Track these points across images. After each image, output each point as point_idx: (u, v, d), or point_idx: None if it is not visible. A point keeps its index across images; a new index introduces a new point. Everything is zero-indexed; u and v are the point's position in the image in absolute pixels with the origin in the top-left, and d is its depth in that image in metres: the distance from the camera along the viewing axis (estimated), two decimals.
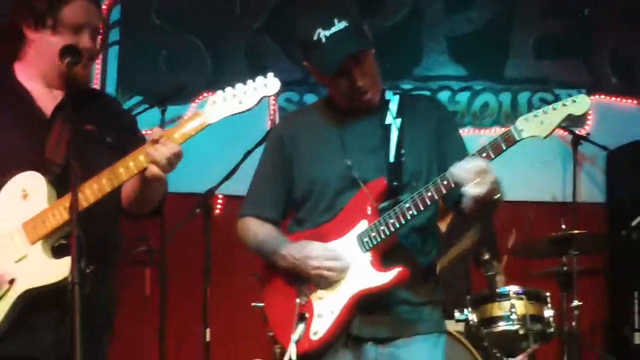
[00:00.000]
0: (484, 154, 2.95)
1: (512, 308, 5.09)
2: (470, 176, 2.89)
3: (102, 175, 2.89)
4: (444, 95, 6.65)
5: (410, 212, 3.06)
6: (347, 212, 3.22)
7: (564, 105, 2.98)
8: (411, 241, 3.24)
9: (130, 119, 3.47)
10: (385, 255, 3.15)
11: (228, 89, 2.93)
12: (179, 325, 5.94)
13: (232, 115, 2.92)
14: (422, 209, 3.06)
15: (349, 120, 3.33)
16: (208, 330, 5.57)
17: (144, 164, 2.88)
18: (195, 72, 6.93)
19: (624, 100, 6.79)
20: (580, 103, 2.97)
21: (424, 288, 3.28)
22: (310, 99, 6.12)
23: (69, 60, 3.02)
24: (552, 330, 5.18)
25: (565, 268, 5.32)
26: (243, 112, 2.93)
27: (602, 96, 6.74)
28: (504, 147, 2.96)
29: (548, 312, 5.18)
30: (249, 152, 5.15)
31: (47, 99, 3.12)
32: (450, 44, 6.88)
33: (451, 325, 5.00)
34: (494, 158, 2.95)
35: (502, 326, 5.11)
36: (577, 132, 6.34)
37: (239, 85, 2.93)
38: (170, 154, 2.87)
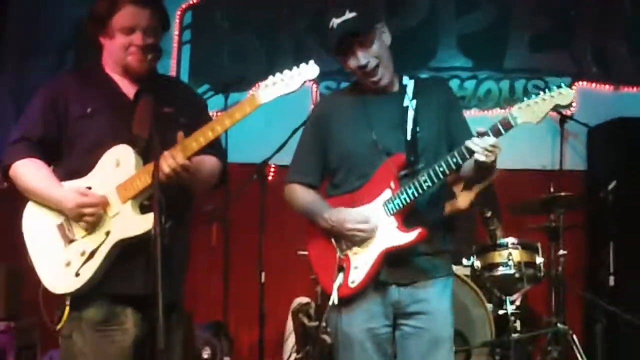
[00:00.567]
0: (485, 136, 2.94)
1: (509, 256, 5.08)
2: (485, 148, 2.91)
3: (165, 155, 2.88)
4: (454, 83, 6.59)
5: (427, 183, 3.06)
6: (374, 181, 3.21)
7: (552, 96, 2.95)
8: (427, 206, 3.23)
9: (201, 102, 3.45)
10: (406, 217, 3.15)
11: (277, 74, 2.91)
12: (239, 270, 5.97)
13: (281, 96, 2.90)
14: (436, 181, 3.07)
15: (373, 102, 3.30)
16: (263, 274, 5.62)
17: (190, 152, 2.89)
18: (252, 65, 6.91)
19: (602, 85, 6.71)
20: (565, 95, 2.95)
21: (437, 241, 3.27)
22: (345, 86, 6.03)
23: (151, 55, 3.05)
24: (542, 274, 5.16)
25: (553, 224, 5.29)
26: (289, 93, 2.90)
27: (584, 82, 6.66)
28: (503, 131, 2.94)
29: (539, 260, 5.16)
30: (295, 130, 5.15)
31: (127, 86, 3.13)
32: (459, 40, 6.82)
33: (459, 270, 5.00)
34: (496, 139, 2.93)
35: (501, 271, 5.10)
36: (563, 112, 6.31)
37: (286, 71, 2.91)
38: (176, 167, 2.85)
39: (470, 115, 5.99)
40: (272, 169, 6.08)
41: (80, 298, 2.96)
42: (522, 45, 6.80)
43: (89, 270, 2.94)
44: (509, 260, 5.07)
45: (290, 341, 5.86)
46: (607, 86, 6.72)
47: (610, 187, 5.24)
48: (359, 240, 3.18)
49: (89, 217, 2.93)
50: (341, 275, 3.15)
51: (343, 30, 3.18)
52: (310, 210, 3.33)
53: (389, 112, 3.28)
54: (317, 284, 5.33)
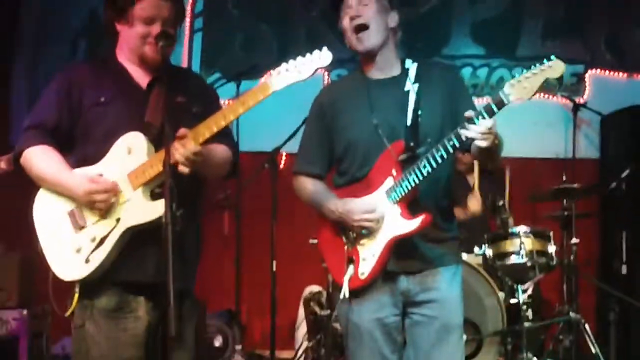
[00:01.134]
0: (480, 117, 2.89)
1: (521, 244, 5.07)
2: (480, 132, 2.88)
3: (176, 145, 2.88)
4: (466, 71, 6.60)
5: (426, 169, 3.02)
6: (376, 169, 3.18)
7: (542, 70, 2.91)
8: (430, 191, 3.19)
9: (212, 92, 3.45)
10: (410, 204, 3.12)
11: (290, 61, 2.89)
12: (251, 258, 5.99)
13: (294, 83, 2.89)
14: (435, 166, 3.03)
15: (375, 87, 3.27)
16: (274, 262, 5.63)
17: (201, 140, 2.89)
18: (264, 53, 6.92)
19: (616, 73, 6.68)
20: (555, 67, 2.92)
21: (444, 227, 3.25)
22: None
23: (162, 43, 3.05)
24: (554, 262, 5.15)
25: (565, 212, 5.27)
26: (302, 80, 2.89)
27: (598, 70, 6.64)
28: (496, 110, 2.90)
29: (551, 248, 5.15)
30: (306, 119, 5.14)
31: (140, 76, 3.13)
32: (472, 28, 6.81)
33: (471, 259, 5.00)
34: (489, 118, 2.90)
35: (513, 259, 5.09)
36: (576, 100, 6.29)
37: (298, 58, 2.90)
38: (188, 154, 2.85)
39: (482, 102, 5.96)
40: (283, 157, 6.08)
41: (92, 286, 2.97)
42: (535, 33, 6.78)
43: (99, 256, 2.95)
44: (521, 248, 5.07)
45: (302, 329, 5.88)
46: (620, 74, 6.69)
47: (624, 175, 5.21)
48: (366, 231, 3.16)
49: (100, 203, 2.94)
50: (351, 267, 3.14)
51: None
52: (317, 202, 3.33)
53: (391, 97, 3.25)
54: (328, 272, 5.34)
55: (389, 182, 3.15)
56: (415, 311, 3.21)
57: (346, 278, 3.12)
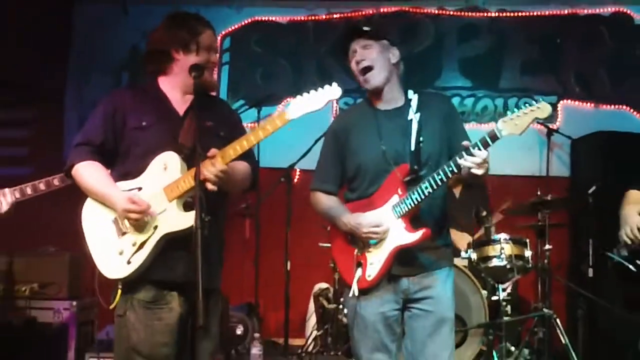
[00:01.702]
0: (476, 148, 2.92)
1: (502, 250, 5.04)
2: (476, 163, 2.90)
3: (205, 163, 2.89)
4: (455, 101, 6.55)
5: (428, 190, 3.04)
6: (383, 188, 3.19)
7: (532, 110, 2.92)
8: (430, 208, 3.20)
9: (236, 117, 3.43)
10: (413, 219, 3.13)
11: (305, 94, 2.91)
12: (268, 259, 5.97)
13: (308, 113, 2.90)
14: (436, 188, 3.04)
15: (382, 117, 3.27)
16: (288, 263, 5.62)
17: (232, 156, 2.91)
18: (280, 83, 6.93)
19: (584, 103, 6.66)
20: (543, 109, 2.92)
21: (439, 237, 3.25)
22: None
23: (194, 74, 3.07)
24: (530, 266, 5.12)
25: (540, 222, 5.25)
26: (315, 111, 2.90)
27: (569, 101, 6.63)
28: (490, 143, 2.92)
29: (528, 253, 5.11)
30: (318, 139, 5.14)
31: (179, 103, 3.13)
32: (460, 64, 6.81)
33: (458, 261, 4.97)
34: (484, 150, 2.91)
35: (494, 262, 5.05)
36: (550, 126, 6.28)
37: (312, 91, 2.91)
38: (217, 172, 2.86)
39: (469, 128, 5.85)
40: (297, 173, 6.08)
41: (132, 283, 2.97)
42: (515, 69, 6.78)
43: (139, 259, 2.95)
44: (502, 253, 5.04)
45: (312, 321, 5.87)
46: (588, 104, 6.68)
47: (591, 191, 5.18)
48: (374, 240, 3.17)
49: (134, 221, 2.94)
50: (359, 270, 3.16)
51: (353, 27, 3.30)
52: (331, 215, 3.32)
53: (396, 124, 3.25)
54: (335, 271, 5.34)
55: (395, 199, 3.15)
56: (414, 306, 3.21)
57: (355, 279, 3.15)
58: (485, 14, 6.85)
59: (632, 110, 6.62)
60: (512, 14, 6.81)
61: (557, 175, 6.37)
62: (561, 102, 6.64)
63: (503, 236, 5.11)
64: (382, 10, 6.85)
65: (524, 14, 6.79)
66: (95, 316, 5.08)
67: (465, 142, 2.95)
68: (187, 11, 3.23)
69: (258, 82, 6.99)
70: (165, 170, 2.99)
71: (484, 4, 6.85)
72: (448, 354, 3.22)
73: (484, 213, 5.33)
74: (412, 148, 3.17)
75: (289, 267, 5.61)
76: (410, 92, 3.33)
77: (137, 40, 6.77)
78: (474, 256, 5.11)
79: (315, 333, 5.60)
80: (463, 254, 5.13)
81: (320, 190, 3.38)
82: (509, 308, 5.00)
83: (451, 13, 6.86)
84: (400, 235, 3.14)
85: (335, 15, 6.94)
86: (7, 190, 3.57)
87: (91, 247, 3.03)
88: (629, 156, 5.50)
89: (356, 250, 3.20)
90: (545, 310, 5.02)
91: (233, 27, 7.03)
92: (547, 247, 5.17)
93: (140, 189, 2.99)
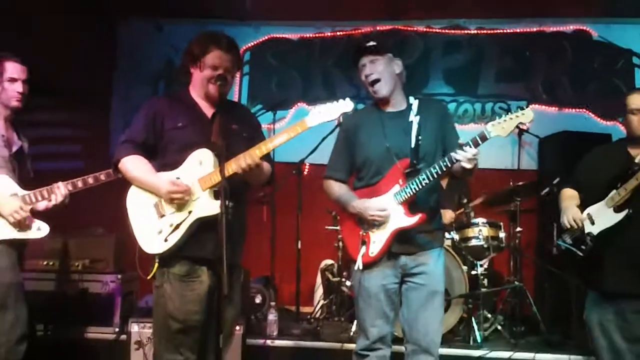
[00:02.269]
0: (468, 146, 2.93)
1: (480, 232, 5.06)
2: (467, 158, 2.92)
3: (240, 157, 2.94)
4: None
5: (425, 181, 3.06)
6: (387, 178, 3.20)
7: (517, 116, 2.94)
8: (426, 196, 3.21)
9: (256, 120, 3.45)
10: (411, 205, 3.14)
11: (322, 106, 2.96)
12: (282, 239, 5.97)
13: (324, 122, 2.95)
14: (432, 179, 3.06)
15: (387, 118, 3.28)
16: (299, 242, 5.63)
17: (258, 156, 2.93)
18: (292, 91, 6.90)
19: (549, 107, 6.63)
20: (526, 115, 2.95)
21: (433, 221, 3.27)
22: (360, 107, 6.03)
23: (220, 83, 3.07)
24: (503, 245, 5.13)
25: (512, 208, 5.24)
26: (330, 121, 2.96)
27: (537, 105, 6.57)
28: (480, 142, 2.94)
29: (502, 234, 5.13)
30: (324, 138, 5.15)
31: (206, 108, 3.15)
32: (444, 74, 6.79)
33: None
34: (475, 149, 2.94)
35: (473, 242, 5.07)
36: (521, 127, 6.26)
37: (328, 103, 2.95)
38: (250, 165, 2.90)
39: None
40: (306, 167, 6.08)
41: (168, 258, 2.99)
42: (491, 78, 6.75)
43: (175, 237, 2.97)
44: (480, 234, 5.05)
45: (319, 291, 5.88)
46: (553, 108, 6.64)
47: (555, 182, 5.16)
48: (377, 223, 3.18)
49: (178, 200, 2.96)
50: (364, 247, 3.18)
51: (361, 45, 3.29)
52: (341, 201, 3.33)
53: (399, 125, 3.25)
54: (339, 250, 5.35)
55: (396, 188, 3.16)
56: (410, 280, 3.22)
57: (360, 255, 3.17)
58: (466, 32, 6.82)
59: (590, 113, 6.59)
60: (488, 31, 6.78)
61: (526, 169, 6.34)
62: (530, 106, 6.39)
63: (481, 220, 5.13)
64: (378, 28, 6.83)
65: (498, 31, 6.76)
66: (136, 287, 5.09)
67: (460, 140, 2.97)
68: (211, 31, 3.20)
69: (273, 90, 6.97)
70: (201, 164, 3.01)
71: (464, 23, 6.82)
72: (438, 321, 3.24)
73: (465, 200, 5.34)
74: (412, 145, 3.18)
75: (299, 246, 5.62)
76: (412, 98, 3.34)
77: (171, 54, 6.78)
78: (456, 237, 5.11)
79: (322, 302, 5.60)
80: (447, 235, 5.13)
81: (333, 178, 3.39)
82: (485, 281, 5.00)
83: (437, 31, 6.84)
84: (400, 218, 3.15)
85: (338, 33, 6.91)
86: (61, 183, 3.59)
87: (134, 227, 3.04)
88: (588, 152, 5.48)
89: (361, 231, 3.21)
90: (516, 282, 5.03)
91: (252, 43, 7.02)
92: (518, 229, 5.16)
93: (178, 178, 3.01)
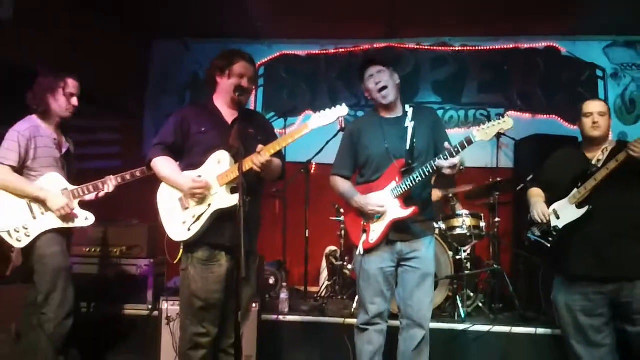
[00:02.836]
0: (456, 149, 2.92)
1: (463, 222, 5.02)
2: (449, 166, 2.92)
3: (253, 155, 2.92)
4: None
5: (418, 178, 3.06)
6: (385, 176, 3.20)
7: (499, 123, 2.95)
8: (418, 191, 3.21)
9: (270, 125, 3.45)
10: (406, 199, 3.14)
11: (322, 111, 2.94)
12: (293, 228, 5.94)
13: (324, 125, 2.94)
14: (424, 177, 3.06)
15: (386, 123, 3.28)
16: (307, 231, 5.60)
17: (269, 154, 2.92)
18: (301, 100, 6.87)
19: (524, 114, 6.57)
20: (507, 122, 2.95)
21: (425, 213, 3.26)
22: (360, 114, 6.08)
23: (238, 93, 3.05)
24: (484, 233, 5.09)
25: (492, 201, 5.20)
26: (329, 124, 2.95)
27: (513, 111, 6.53)
28: (466, 146, 2.94)
29: (482, 224, 5.09)
30: (328, 141, 5.13)
31: (228, 114, 3.14)
32: (433, 85, 6.74)
33: None
34: (462, 151, 2.94)
35: (458, 231, 5.03)
36: (501, 131, 6.19)
37: (327, 109, 2.94)
38: (262, 162, 2.89)
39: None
40: (313, 166, 6.05)
41: (192, 245, 2.99)
42: (474, 88, 6.69)
43: (197, 227, 2.96)
44: (463, 224, 5.02)
45: (324, 273, 5.86)
46: (527, 114, 6.59)
47: (529, 179, 5.11)
48: (377, 215, 3.17)
49: (198, 195, 2.95)
50: (364, 235, 3.18)
51: (368, 58, 3.34)
52: (345, 195, 3.32)
53: (396, 129, 3.25)
54: (341, 238, 5.32)
55: (393, 184, 3.16)
56: (405, 264, 3.21)
57: (361, 241, 3.17)
58: (451, 48, 6.77)
59: (559, 118, 6.54)
60: (471, 48, 6.73)
61: (504, 167, 6.29)
62: (507, 112, 6.54)
63: (464, 212, 5.10)
64: (375, 45, 6.80)
65: (480, 47, 6.71)
66: (165, 270, 5.09)
67: (446, 144, 2.96)
68: (233, 48, 3.22)
69: (284, 99, 6.93)
70: (219, 163, 3.00)
71: (450, 41, 6.77)
72: (429, 299, 3.23)
73: (451, 194, 5.29)
74: (408, 147, 3.18)
75: (307, 235, 5.58)
76: (407, 106, 3.33)
77: (196, 69, 6.78)
78: (443, 226, 5.07)
79: (326, 283, 5.58)
80: (435, 224, 5.08)
81: (339, 175, 3.38)
82: (468, 264, 4.96)
83: (426, 47, 6.79)
84: (396, 211, 3.14)
85: (340, 50, 6.88)
86: (112, 176, 3.61)
87: (163, 218, 3.05)
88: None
89: (363, 221, 3.20)
90: (495, 266, 4.98)
91: (266, 59, 6.98)
92: (497, 219, 5.11)
93: (199, 176, 3.00)
